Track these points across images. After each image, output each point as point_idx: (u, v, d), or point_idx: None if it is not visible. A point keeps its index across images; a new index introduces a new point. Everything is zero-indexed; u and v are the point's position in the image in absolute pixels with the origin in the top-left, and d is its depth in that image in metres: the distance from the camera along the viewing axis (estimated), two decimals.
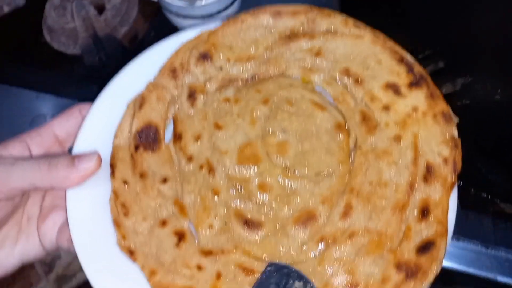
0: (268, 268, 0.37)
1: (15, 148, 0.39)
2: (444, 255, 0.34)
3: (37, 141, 0.41)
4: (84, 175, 0.39)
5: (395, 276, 0.34)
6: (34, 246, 0.42)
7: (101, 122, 0.43)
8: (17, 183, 0.37)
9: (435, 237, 0.35)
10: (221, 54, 0.46)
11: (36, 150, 0.41)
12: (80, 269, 0.50)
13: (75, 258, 0.55)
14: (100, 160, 0.39)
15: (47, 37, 0.61)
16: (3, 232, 0.40)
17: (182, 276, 0.37)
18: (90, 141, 0.41)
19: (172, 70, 0.46)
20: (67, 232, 0.39)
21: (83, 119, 0.42)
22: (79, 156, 0.38)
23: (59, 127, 0.42)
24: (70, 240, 0.38)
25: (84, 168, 0.38)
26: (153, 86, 0.45)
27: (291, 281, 0.36)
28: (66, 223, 0.39)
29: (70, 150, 0.42)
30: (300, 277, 0.36)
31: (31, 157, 0.40)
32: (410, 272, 0.34)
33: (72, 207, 0.39)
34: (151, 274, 0.36)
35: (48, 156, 0.39)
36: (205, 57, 0.46)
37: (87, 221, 0.39)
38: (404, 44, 0.44)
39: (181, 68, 0.46)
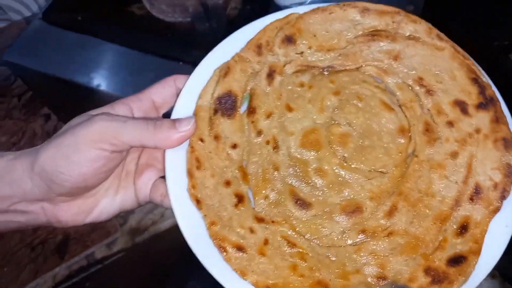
0: None
1: (120, 109, 0.44)
2: (472, 272, 0.37)
3: (138, 105, 0.46)
4: (183, 136, 0.43)
5: (422, 279, 0.38)
6: (131, 198, 0.47)
7: (196, 90, 0.47)
8: (128, 139, 0.41)
9: (468, 253, 0.38)
10: (304, 40, 0.49)
11: (137, 113, 0.46)
12: (151, 224, 0.57)
13: (146, 214, 0.66)
14: (196, 124, 0.44)
15: (146, 4, 0.66)
16: (107, 183, 0.46)
17: (236, 234, 0.42)
18: (186, 107, 0.46)
19: (257, 46, 0.49)
20: (160, 188, 0.44)
21: (177, 88, 0.47)
22: (179, 120, 0.43)
23: (156, 94, 0.47)
24: (162, 195, 0.44)
25: (183, 131, 0.43)
26: (238, 57, 0.48)
27: None
28: (159, 180, 0.45)
29: (164, 115, 0.47)
30: None
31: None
32: (437, 278, 0.37)
33: (169, 166, 0.44)
34: (211, 224, 0.42)
35: (154, 118, 0.44)
36: (289, 40, 0.49)
37: (180, 179, 0.44)
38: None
39: (266, 46, 0.49)
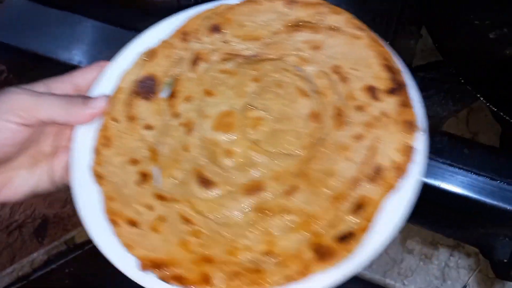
0: None
1: (39, 89, 0.44)
2: (358, 248, 0.35)
3: (58, 86, 0.45)
4: (94, 113, 0.44)
5: (307, 254, 0.36)
6: (46, 179, 0.46)
7: (116, 73, 0.48)
8: (38, 112, 0.41)
9: (357, 231, 0.36)
10: (231, 29, 0.50)
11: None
12: None
13: None
14: (111, 103, 0.45)
15: None
16: (19, 160, 0.45)
17: (133, 210, 0.41)
18: (107, 89, 0.47)
19: (184, 33, 0.50)
20: None
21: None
22: (93, 97, 0.44)
23: (80, 77, 0.47)
24: None
25: (95, 107, 0.44)
26: (164, 43, 0.49)
27: None
28: None
29: None
30: None
31: None
32: (321, 254, 0.35)
33: (76, 142, 0.44)
34: (108, 200, 0.41)
35: (66, 95, 0.44)
36: (216, 29, 0.50)
37: (86, 156, 0.44)
38: None
39: (193, 34, 0.50)
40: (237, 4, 0.50)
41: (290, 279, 0.35)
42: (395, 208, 0.37)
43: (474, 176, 0.48)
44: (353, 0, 0.59)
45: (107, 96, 0.45)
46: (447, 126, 0.56)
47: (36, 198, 0.67)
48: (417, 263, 0.59)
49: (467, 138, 0.55)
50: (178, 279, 0.36)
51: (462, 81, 0.53)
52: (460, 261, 0.62)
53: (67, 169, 0.45)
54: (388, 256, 0.59)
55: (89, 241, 0.65)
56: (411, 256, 0.60)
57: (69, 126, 0.45)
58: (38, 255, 0.72)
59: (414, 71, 0.54)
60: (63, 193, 0.68)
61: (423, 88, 0.51)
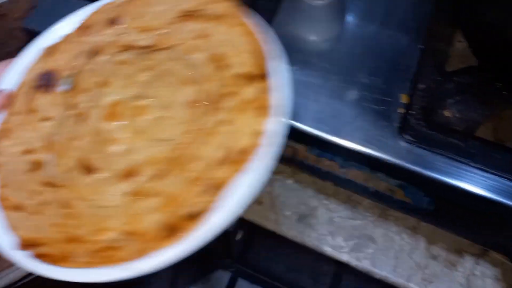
0: None
1: None
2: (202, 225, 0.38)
3: None
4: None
5: (159, 232, 0.38)
6: None
7: (20, 68, 0.51)
8: None
9: (204, 209, 0.38)
10: (128, 21, 0.52)
11: None
12: None
13: None
14: (11, 97, 0.48)
15: None
16: None
17: (21, 196, 0.44)
18: (9, 83, 0.50)
19: (85, 27, 0.52)
20: None
21: None
22: None
23: None
24: None
25: None
26: (66, 38, 0.52)
27: None
28: None
29: None
30: None
31: None
32: (170, 231, 0.38)
33: None
34: (2, 187, 0.44)
35: None
36: (114, 21, 0.52)
37: None
38: None
39: (94, 27, 0.52)
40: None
41: (139, 254, 0.37)
42: (242, 188, 0.38)
43: (506, 181, 0.48)
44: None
45: (7, 91, 0.48)
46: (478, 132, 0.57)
47: None
48: (441, 270, 0.60)
49: (500, 143, 0.55)
50: (42, 256, 0.39)
51: (498, 86, 0.54)
52: (486, 270, 0.62)
53: None
54: (412, 261, 0.61)
55: None
56: (436, 262, 0.60)
57: None
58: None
59: (449, 76, 0.57)
60: None
61: (458, 93, 0.56)
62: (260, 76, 0.43)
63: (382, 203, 0.62)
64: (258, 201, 0.69)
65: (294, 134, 0.49)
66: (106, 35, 0.52)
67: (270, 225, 0.67)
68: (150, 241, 0.38)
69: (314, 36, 0.59)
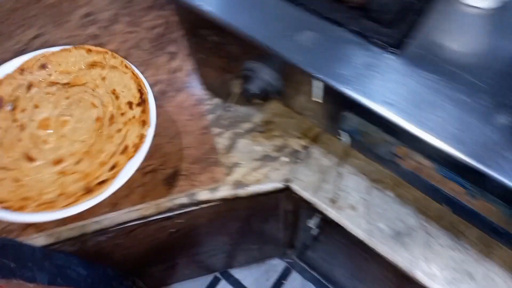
0: None
1: None
2: (108, 188, 0.68)
3: None
4: None
5: (80, 192, 0.67)
6: None
7: None
8: None
9: (109, 178, 0.68)
10: (53, 66, 0.80)
11: None
12: (254, 182, 0.74)
13: (252, 170, 0.75)
14: None
15: None
16: None
17: None
18: None
19: (22, 69, 0.79)
20: None
21: None
22: None
23: None
24: None
25: None
26: (8, 75, 0.78)
27: None
28: None
29: None
30: None
31: None
32: (88, 191, 0.67)
33: None
34: None
35: None
36: (43, 66, 0.80)
37: None
38: None
39: (27, 70, 0.79)
40: (57, 51, 0.80)
41: (70, 202, 0.66)
42: (131, 166, 0.69)
43: None
44: None
45: None
46: None
47: (170, 150, 0.78)
48: None
49: None
50: (7, 208, 0.65)
51: None
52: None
53: None
54: None
55: (208, 201, 0.75)
56: None
57: None
58: (164, 202, 0.75)
59: None
60: (195, 150, 0.78)
61: None
62: (141, 102, 0.74)
63: (494, 237, 0.53)
64: (351, 206, 0.67)
65: (424, 148, 0.46)
66: (37, 75, 0.79)
67: (360, 234, 0.65)
68: (75, 197, 0.67)
69: (465, 46, 0.52)
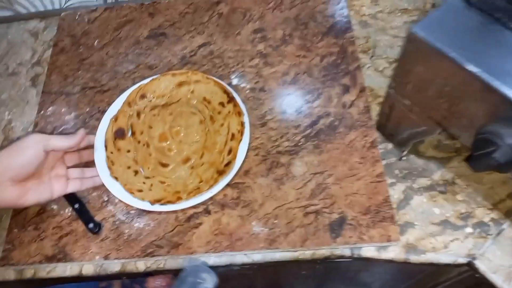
0: (185, 266, 0.76)
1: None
2: (233, 167, 0.87)
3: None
4: (79, 138, 0.87)
5: (215, 175, 0.87)
6: (46, 195, 0.76)
7: (104, 128, 0.95)
8: (53, 142, 0.73)
9: (231, 160, 0.88)
10: (150, 94, 0.99)
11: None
12: (431, 250, 0.65)
13: (429, 235, 0.65)
14: (84, 133, 0.90)
15: None
16: (31, 179, 0.72)
17: (137, 186, 0.89)
18: (101, 138, 0.94)
19: (128, 102, 0.98)
20: (74, 173, 0.89)
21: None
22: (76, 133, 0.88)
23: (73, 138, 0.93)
24: (77, 178, 0.88)
25: (79, 134, 0.89)
26: (120, 111, 0.97)
27: (200, 274, 0.71)
28: (71, 169, 0.89)
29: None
30: (207, 270, 0.72)
31: None
32: (221, 173, 0.87)
33: (99, 166, 0.91)
34: (125, 185, 0.88)
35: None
36: (143, 96, 0.99)
37: (105, 171, 0.90)
38: None
39: (132, 102, 0.98)
40: (149, 82, 0.99)
41: (210, 186, 0.85)
42: (242, 148, 0.89)
43: None
44: None
45: (84, 131, 0.91)
46: None
47: (337, 193, 0.71)
48: None
49: None
50: (167, 202, 0.85)
51: None
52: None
53: (64, 189, 0.88)
54: None
55: (371, 259, 0.65)
56: None
57: (63, 161, 0.89)
58: (327, 250, 0.66)
59: None
60: (365, 199, 0.68)
61: None
62: (229, 99, 0.94)
63: None
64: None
65: None
66: (141, 104, 0.98)
67: (496, 279, 0.59)
68: (213, 179, 0.86)
69: None
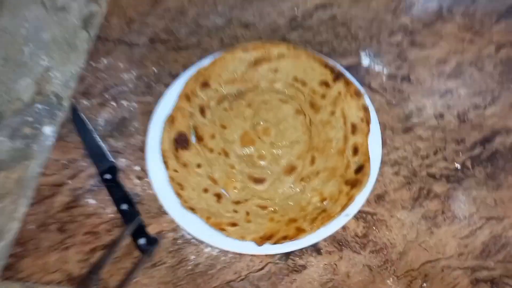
0: None
1: None
2: (370, 172, 0.56)
3: None
4: None
5: (345, 188, 0.56)
6: None
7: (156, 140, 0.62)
8: None
9: (363, 162, 0.57)
10: (215, 81, 0.66)
11: None
12: None
13: None
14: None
15: None
16: None
17: (226, 217, 0.56)
18: (154, 152, 0.60)
19: (186, 96, 0.65)
20: None
21: None
22: None
23: None
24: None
25: None
26: (177, 108, 0.64)
27: None
28: None
29: None
30: None
31: None
32: (353, 184, 0.56)
33: (161, 196, 0.58)
34: (207, 219, 0.56)
35: None
36: (205, 84, 0.66)
37: (174, 201, 0.57)
38: None
39: (191, 94, 0.65)
40: (210, 64, 0.66)
41: (344, 206, 0.54)
42: (374, 142, 0.58)
43: None
44: None
45: None
46: None
47: None
48: None
49: None
50: (283, 239, 0.53)
51: None
52: None
53: None
54: None
55: None
56: None
57: None
58: None
59: None
60: None
61: None
62: (336, 76, 0.62)
63: None
64: None
65: None
66: (203, 96, 0.65)
67: None
68: (345, 195, 0.55)
69: None
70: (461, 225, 0.55)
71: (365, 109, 0.60)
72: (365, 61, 0.69)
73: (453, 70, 0.65)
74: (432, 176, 0.58)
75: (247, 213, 0.57)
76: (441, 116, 0.63)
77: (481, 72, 0.65)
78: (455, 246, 0.54)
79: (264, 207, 0.57)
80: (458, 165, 0.59)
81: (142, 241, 0.56)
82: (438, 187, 0.57)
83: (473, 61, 0.66)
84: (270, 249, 0.53)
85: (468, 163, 0.59)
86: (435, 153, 0.60)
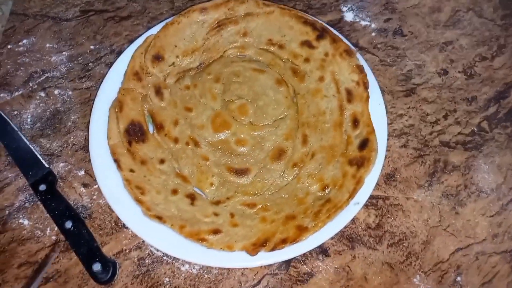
0: None
1: None
2: (377, 145, 0.43)
3: None
4: None
5: (351, 169, 0.43)
6: None
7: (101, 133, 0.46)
8: None
9: (367, 135, 0.44)
10: (169, 53, 0.50)
11: None
12: None
13: None
14: None
15: None
16: None
17: (205, 224, 0.42)
18: (99, 149, 0.44)
19: (134, 73, 0.49)
20: None
21: None
22: None
23: None
24: None
25: None
26: (124, 90, 0.48)
27: None
28: None
29: None
30: None
31: None
32: (359, 163, 0.43)
33: (115, 205, 0.42)
34: (181, 229, 0.41)
35: None
36: (157, 58, 0.50)
37: (133, 210, 0.42)
38: None
39: (142, 71, 0.49)
40: (161, 30, 0.50)
41: (353, 192, 0.41)
42: (377, 106, 0.45)
43: None
44: None
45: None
46: None
47: None
48: None
49: None
50: (282, 243, 0.39)
51: None
52: None
53: None
54: None
55: None
56: None
57: None
58: None
59: None
60: None
61: None
62: (320, 34, 0.48)
63: None
64: None
65: None
66: (158, 72, 0.50)
67: None
68: (352, 179, 0.42)
69: None
70: (489, 199, 0.44)
71: (360, 70, 0.46)
72: (348, 16, 0.55)
73: (449, 18, 0.54)
74: (446, 144, 0.47)
75: (232, 215, 0.42)
76: (444, 72, 0.51)
77: (480, 17, 0.54)
78: (486, 226, 0.43)
79: (252, 205, 0.43)
80: (473, 129, 0.47)
81: (96, 267, 0.41)
82: (456, 157, 0.46)
83: (470, 6, 0.54)
84: (265, 258, 0.40)
85: (485, 125, 0.48)
86: (445, 117, 0.48)
